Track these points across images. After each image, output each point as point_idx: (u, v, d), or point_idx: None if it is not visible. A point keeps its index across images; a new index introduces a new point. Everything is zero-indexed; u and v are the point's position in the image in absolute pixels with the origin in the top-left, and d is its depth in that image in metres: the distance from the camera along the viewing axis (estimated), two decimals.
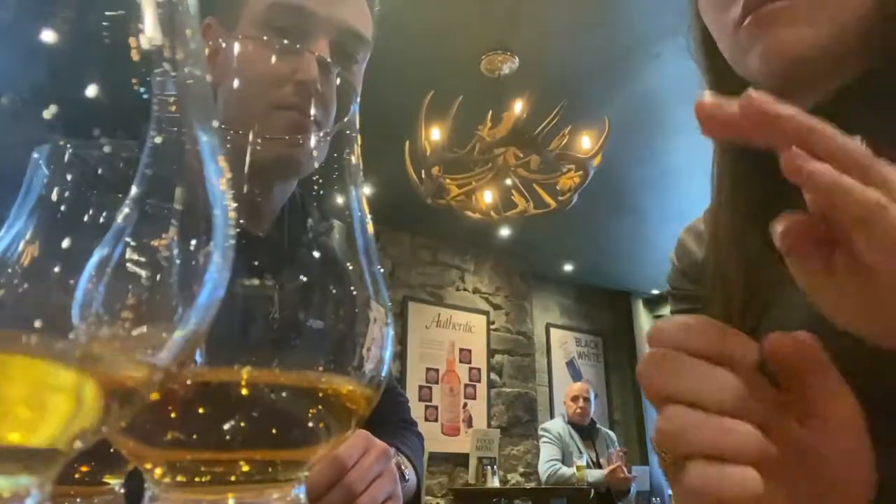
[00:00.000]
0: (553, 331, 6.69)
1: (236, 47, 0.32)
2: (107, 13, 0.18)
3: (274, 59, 0.31)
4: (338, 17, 0.71)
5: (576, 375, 6.55)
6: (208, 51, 0.30)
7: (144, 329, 0.18)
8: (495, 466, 4.96)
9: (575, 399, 4.71)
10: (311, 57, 0.31)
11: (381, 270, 0.30)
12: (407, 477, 0.81)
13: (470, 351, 5.72)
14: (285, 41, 0.64)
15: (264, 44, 0.31)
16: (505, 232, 5.53)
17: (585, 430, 4.72)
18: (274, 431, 0.25)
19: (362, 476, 0.63)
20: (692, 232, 0.82)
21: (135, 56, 0.18)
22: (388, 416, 0.97)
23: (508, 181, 3.39)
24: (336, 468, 0.61)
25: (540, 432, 4.84)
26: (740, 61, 0.64)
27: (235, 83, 0.30)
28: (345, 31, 0.72)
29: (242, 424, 0.25)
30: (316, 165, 0.31)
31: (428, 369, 5.44)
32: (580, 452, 4.53)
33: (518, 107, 2.92)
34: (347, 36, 0.72)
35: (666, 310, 6.84)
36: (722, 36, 0.66)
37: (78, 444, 0.17)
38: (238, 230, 0.21)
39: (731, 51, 0.65)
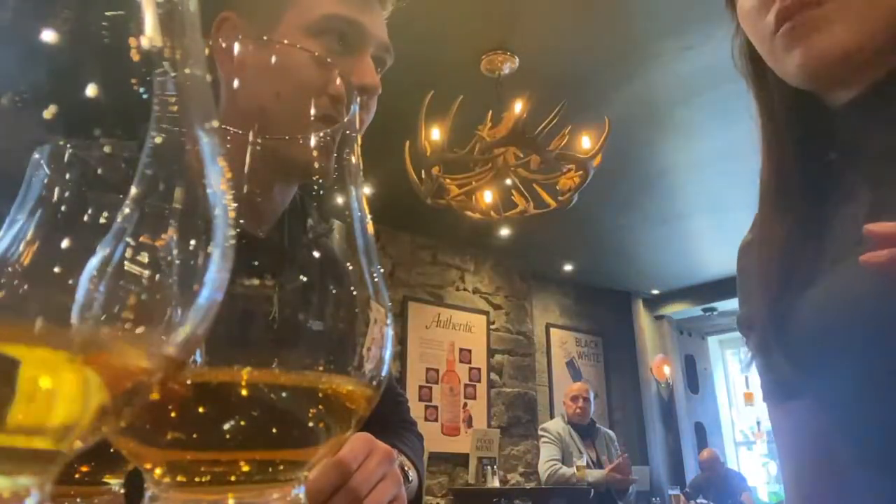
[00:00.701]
0: (553, 331, 6.69)
1: (277, 50, 0.33)
2: (107, 13, 0.18)
3: (314, 69, 0.32)
4: (379, 32, 0.76)
5: (576, 375, 6.55)
6: (224, 45, 0.30)
7: (144, 329, 0.18)
8: (495, 466, 4.95)
9: (575, 399, 4.71)
10: (337, 71, 0.31)
11: (381, 270, 0.30)
12: (410, 478, 0.81)
13: (470, 351, 5.72)
14: (315, 52, 0.66)
15: (300, 52, 0.31)
16: (505, 232, 5.52)
17: (585, 430, 4.72)
18: (274, 431, 0.25)
19: (366, 479, 0.63)
20: (743, 249, 0.83)
21: (135, 56, 0.18)
22: (388, 417, 0.97)
23: (508, 181, 3.39)
24: (340, 472, 0.61)
25: (540, 432, 4.83)
26: (778, 66, 0.67)
27: (276, 86, 0.30)
28: (382, 46, 0.77)
29: (242, 424, 0.25)
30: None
31: (428, 369, 5.44)
32: (580, 452, 4.52)
33: (518, 107, 2.92)
34: (383, 50, 0.78)
35: (665, 309, 6.79)
36: (760, 42, 0.69)
37: (78, 444, 0.17)
38: (238, 230, 0.21)
39: (769, 56, 0.68)
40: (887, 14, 0.59)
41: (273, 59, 0.32)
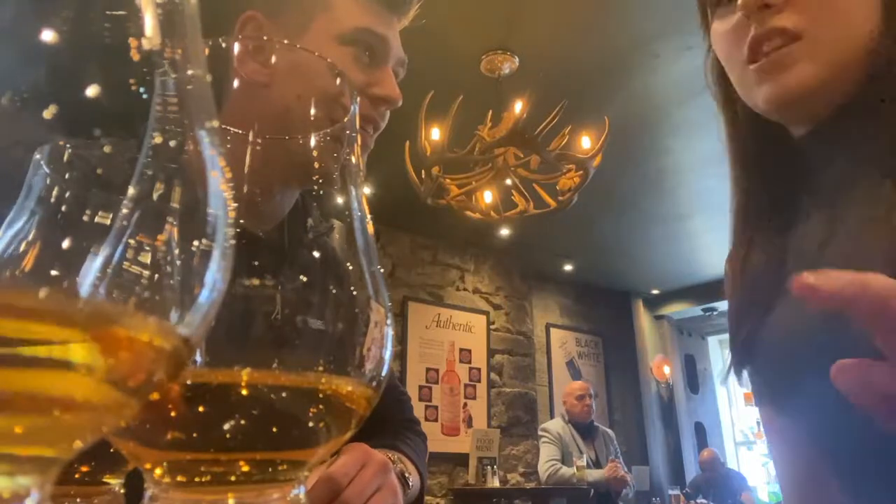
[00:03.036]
0: (553, 331, 6.69)
1: (303, 56, 0.33)
2: (107, 13, 0.18)
3: (335, 78, 0.32)
4: (398, 47, 0.81)
5: (576, 375, 6.55)
6: (249, 45, 0.30)
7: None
8: (495, 466, 4.95)
9: (581, 398, 4.71)
10: (347, 83, 0.32)
11: (381, 270, 0.30)
12: (410, 483, 0.81)
13: (470, 351, 5.72)
14: (329, 61, 0.68)
15: (320, 60, 0.31)
16: (505, 232, 5.52)
17: (586, 429, 4.72)
18: (274, 431, 0.25)
19: (359, 492, 0.62)
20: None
21: (135, 56, 0.18)
22: (391, 416, 0.96)
23: (508, 181, 3.39)
24: (330, 487, 0.60)
25: (539, 432, 4.84)
26: (746, 95, 0.69)
27: (299, 89, 0.30)
28: (400, 60, 0.82)
29: (242, 424, 0.25)
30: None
31: (428, 369, 5.43)
32: (580, 452, 4.53)
33: (518, 107, 2.92)
34: (400, 64, 0.82)
35: (665, 309, 6.77)
36: (732, 70, 0.71)
37: (78, 445, 0.17)
38: (238, 230, 0.21)
39: (739, 85, 0.69)
40: (854, 52, 0.60)
41: (300, 63, 0.32)
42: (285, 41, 0.33)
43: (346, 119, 0.31)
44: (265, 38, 0.29)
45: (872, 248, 0.58)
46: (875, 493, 0.61)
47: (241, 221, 0.25)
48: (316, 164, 0.30)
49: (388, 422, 0.93)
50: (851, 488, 0.64)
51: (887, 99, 0.60)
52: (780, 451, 0.75)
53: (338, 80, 0.31)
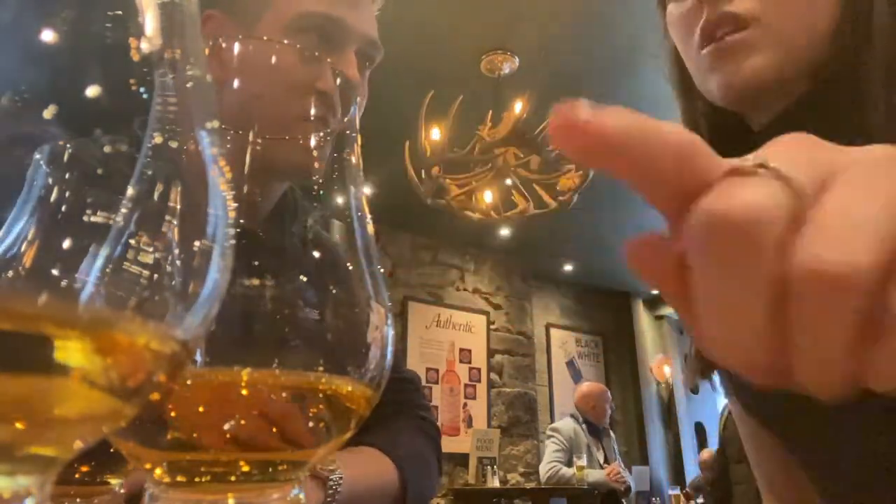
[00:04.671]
0: (553, 331, 6.69)
1: (256, 48, 0.32)
2: (107, 13, 0.18)
3: (298, 66, 0.31)
4: (361, 26, 0.74)
5: (576, 375, 6.54)
6: (210, 44, 0.30)
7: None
8: (495, 466, 4.95)
9: (612, 404, 4.80)
10: (329, 65, 0.31)
11: (381, 270, 0.30)
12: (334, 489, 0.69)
13: (470, 351, 5.71)
14: (299, 46, 0.65)
15: (284, 49, 0.30)
16: (505, 232, 5.52)
17: (597, 430, 4.74)
18: (274, 431, 0.25)
19: None
20: None
21: (135, 56, 0.18)
22: (401, 406, 0.92)
23: (508, 181, 3.39)
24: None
25: (549, 431, 4.83)
26: (701, 82, 0.66)
27: (256, 87, 0.30)
28: (367, 40, 0.75)
29: (242, 424, 0.25)
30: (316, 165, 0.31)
31: (428, 369, 5.43)
32: (592, 452, 4.54)
33: (518, 107, 2.92)
34: (368, 44, 0.75)
35: (665, 309, 6.77)
36: (687, 56, 0.69)
37: (78, 445, 0.17)
38: (238, 230, 0.21)
39: (694, 71, 0.67)
40: (812, 41, 0.58)
41: (252, 58, 0.31)
42: (237, 36, 0.31)
43: (320, 107, 0.31)
44: (215, 36, 0.28)
45: None
46: (837, 485, 0.61)
47: (241, 221, 0.25)
48: (290, 161, 0.30)
49: (400, 413, 0.89)
50: (818, 480, 0.64)
51: (847, 90, 0.57)
52: (749, 442, 0.75)
53: (308, 66, 0.31)
